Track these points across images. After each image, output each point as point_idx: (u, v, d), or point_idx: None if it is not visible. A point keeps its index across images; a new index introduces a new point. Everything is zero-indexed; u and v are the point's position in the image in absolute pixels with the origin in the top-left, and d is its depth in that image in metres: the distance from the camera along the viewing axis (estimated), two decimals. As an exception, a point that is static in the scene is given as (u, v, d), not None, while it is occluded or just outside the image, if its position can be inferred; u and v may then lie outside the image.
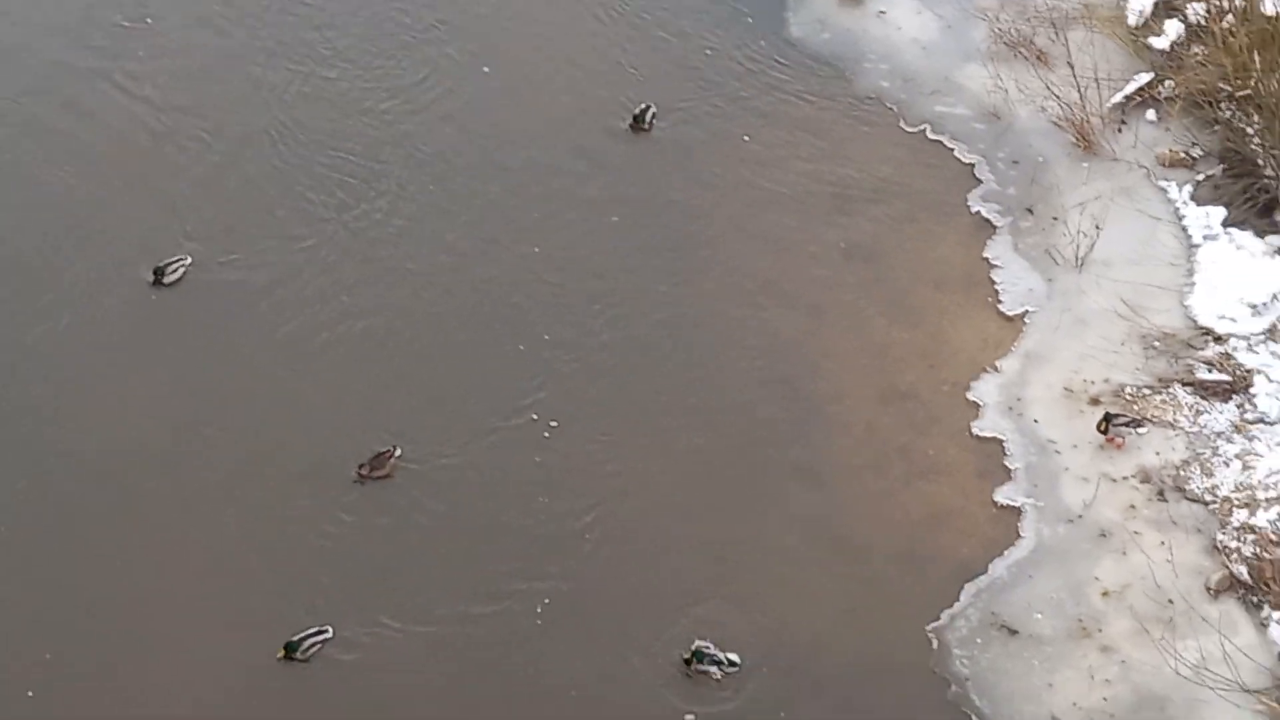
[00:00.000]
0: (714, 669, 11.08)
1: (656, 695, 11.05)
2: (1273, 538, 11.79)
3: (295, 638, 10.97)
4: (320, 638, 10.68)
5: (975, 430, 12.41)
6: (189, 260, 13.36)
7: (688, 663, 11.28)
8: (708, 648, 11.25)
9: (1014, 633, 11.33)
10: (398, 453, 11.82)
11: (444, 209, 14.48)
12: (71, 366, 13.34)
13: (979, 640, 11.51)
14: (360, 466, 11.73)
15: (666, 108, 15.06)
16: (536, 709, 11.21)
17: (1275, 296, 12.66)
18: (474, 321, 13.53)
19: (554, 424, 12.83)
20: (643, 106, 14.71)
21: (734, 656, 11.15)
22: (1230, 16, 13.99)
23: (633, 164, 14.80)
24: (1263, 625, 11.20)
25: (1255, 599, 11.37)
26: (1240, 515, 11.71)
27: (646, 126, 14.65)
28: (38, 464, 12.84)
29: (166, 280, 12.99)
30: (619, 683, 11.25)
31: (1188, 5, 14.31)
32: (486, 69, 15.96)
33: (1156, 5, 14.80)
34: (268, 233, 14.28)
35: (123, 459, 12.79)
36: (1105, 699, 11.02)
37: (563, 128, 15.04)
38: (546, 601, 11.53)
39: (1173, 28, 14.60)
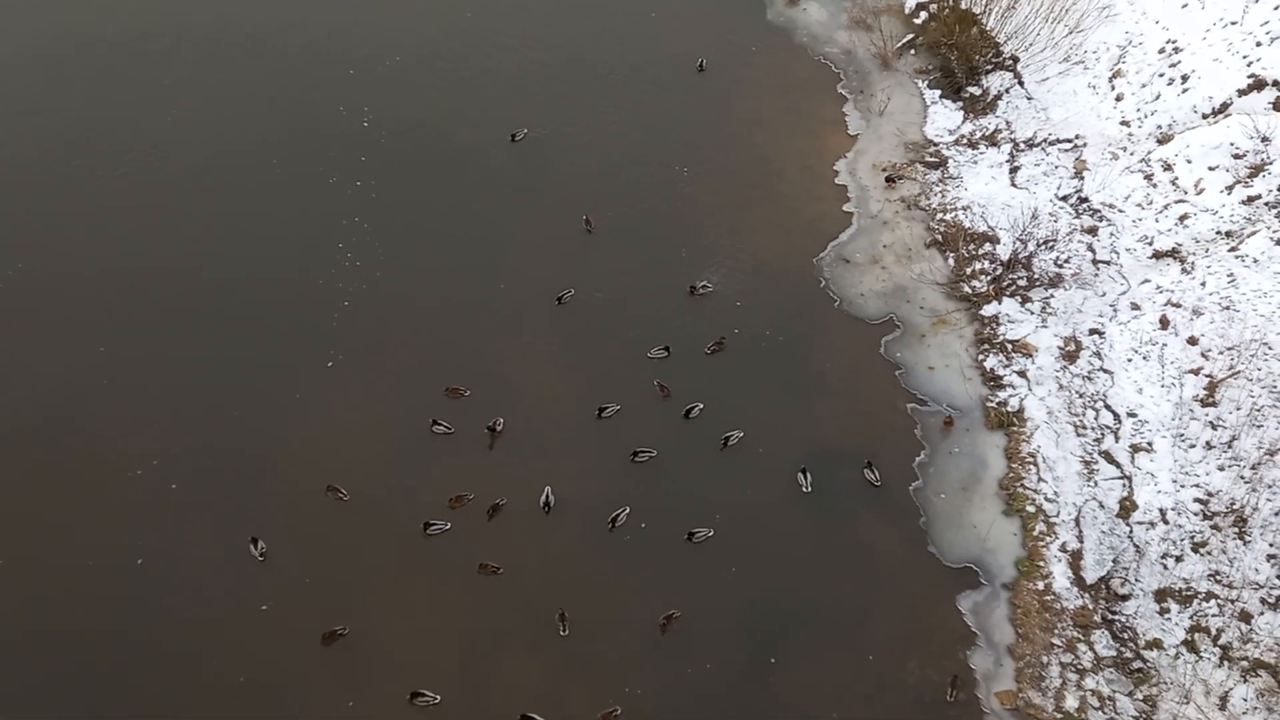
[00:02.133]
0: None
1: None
2: (952, 225, 25.04)
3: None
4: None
5: (835, 181, 25.54)
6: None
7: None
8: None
9: (847, 262, 24.14)
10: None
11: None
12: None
13: (832, 265, 24.11)
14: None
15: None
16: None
17: (957, 126, 26.06)
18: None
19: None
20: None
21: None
22: (946, 6, 27.51)
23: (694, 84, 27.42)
24: (945, 258, 24.85)
25: (942, 249, 24.35)
26: (939, 215, 25.31)
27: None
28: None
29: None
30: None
31: (931, 3, 28.08)
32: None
33: (917, 5, 28.18)
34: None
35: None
36: (881, 286, 23.48)
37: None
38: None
39: (921, 12, 28.04)
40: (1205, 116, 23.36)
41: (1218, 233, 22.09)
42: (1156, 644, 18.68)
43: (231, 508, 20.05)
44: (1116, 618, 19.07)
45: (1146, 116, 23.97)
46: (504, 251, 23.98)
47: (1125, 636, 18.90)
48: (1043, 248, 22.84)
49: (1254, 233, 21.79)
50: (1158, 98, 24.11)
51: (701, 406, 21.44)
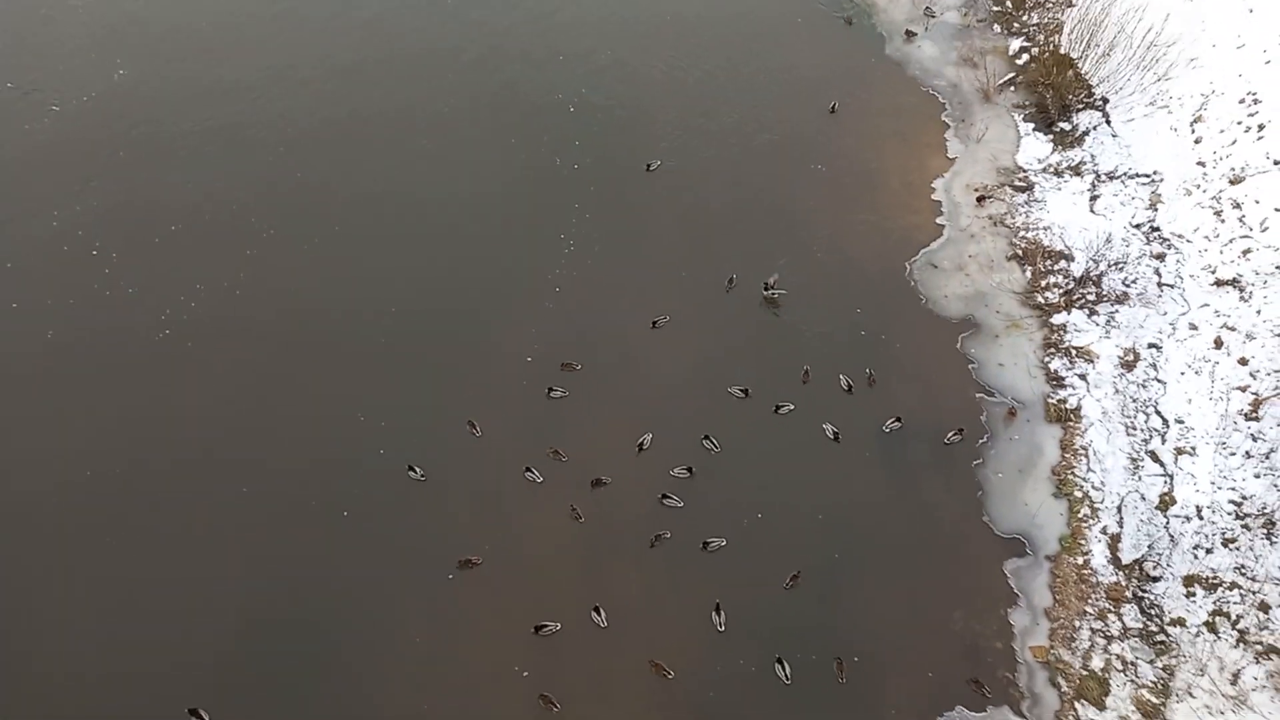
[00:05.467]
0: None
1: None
2: (1032, 242, 26.64)
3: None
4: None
5: (932, 197, 27.54)
6: None
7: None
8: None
9: (935, 267, 26.13)
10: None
11: None
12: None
13: (922, 269, 26.12)
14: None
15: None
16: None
17: (1046, 156, 27.68)
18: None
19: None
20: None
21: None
22: (1047, 50, 29.20)
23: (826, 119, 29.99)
24: (1024, 271, 26.70)
25: (1022, 263, 26.34)
26: (1022, 233, 27.00)
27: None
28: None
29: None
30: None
31: (1033, 47, 29.80)
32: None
33: (1021, 48, 30.06)
34: None
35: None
36: (963, 290, 25.30)
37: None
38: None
39: (1024, 54, 29.75)
40: (1276, 163, 24.54)
41: (1277, 267, 23.31)
42: (1180, 622, 20.18)
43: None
44: (1146, 595, 20.62)
45: (1222, 159, 25.26)
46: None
47: (1152, 613, 20.44)
48: (1113, 268, 24.40)
49: (1309, 299, 23.03)
50: (1234, 143, 25.38)
51: (792, 407, 23.42)
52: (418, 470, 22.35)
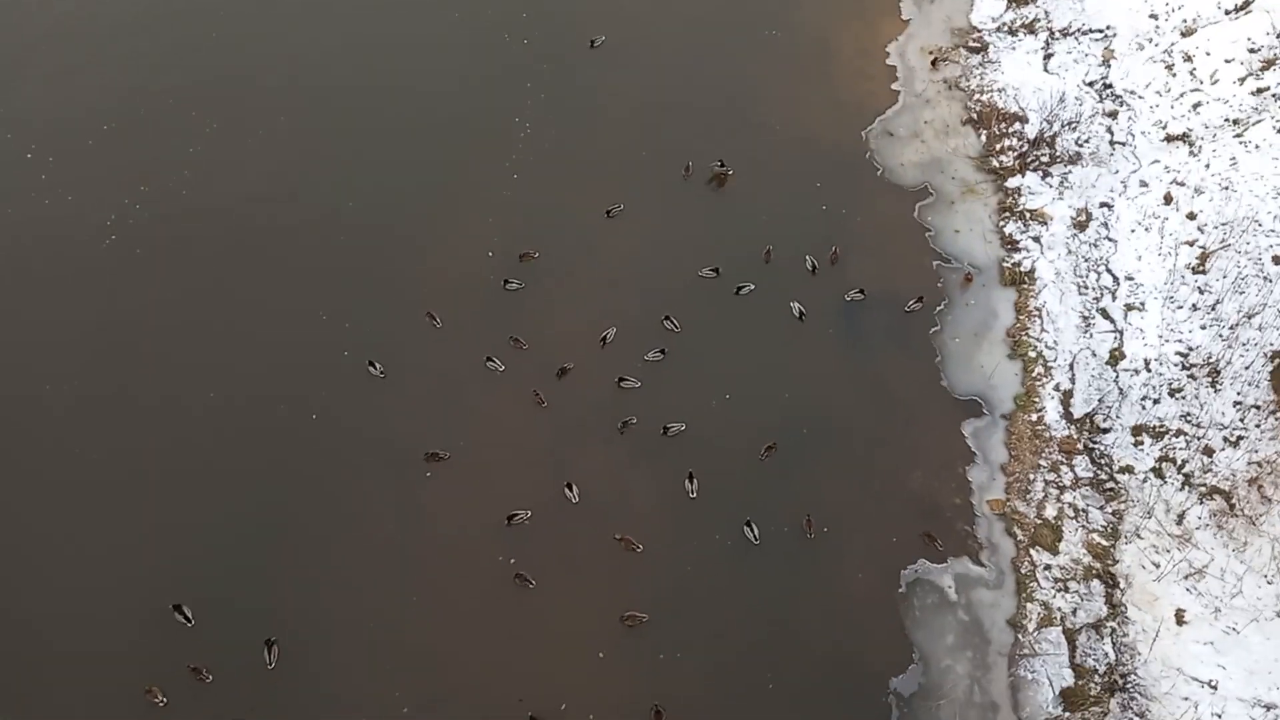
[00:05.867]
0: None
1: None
2: (987, 105, 26.09)
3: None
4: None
5: (886, 61, 27.00)
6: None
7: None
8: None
9: (891, 135, 25.92)
10: None
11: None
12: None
13: (878, 138, 25.91)
14: None
15: None
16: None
17: (1000, 14, 26.93)
18: None
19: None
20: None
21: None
22: None
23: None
24: (979, 135, 26.14)
25: (977, 127, 25.84)
26: (977, 96, 26.47)
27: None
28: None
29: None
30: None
31: None
32: None
33: None
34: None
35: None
36: (919, 158, 25.24)
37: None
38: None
39: None
40: (1228, 13, 24.43)
41: (1226, 120, 23.46)
42: (1128, 469, 21.07)
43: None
44: (1096, 446, 21.45)
45: (1174, 10, 25.04)
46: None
47: (1102, 462, 21.30)
48: (1066, 128, 24.38)
49: (1259, 121, 23.16)
50: (1187, -7, 25.15)
51: (752, 287, 23.48)
52: (377, 366, 22.31)
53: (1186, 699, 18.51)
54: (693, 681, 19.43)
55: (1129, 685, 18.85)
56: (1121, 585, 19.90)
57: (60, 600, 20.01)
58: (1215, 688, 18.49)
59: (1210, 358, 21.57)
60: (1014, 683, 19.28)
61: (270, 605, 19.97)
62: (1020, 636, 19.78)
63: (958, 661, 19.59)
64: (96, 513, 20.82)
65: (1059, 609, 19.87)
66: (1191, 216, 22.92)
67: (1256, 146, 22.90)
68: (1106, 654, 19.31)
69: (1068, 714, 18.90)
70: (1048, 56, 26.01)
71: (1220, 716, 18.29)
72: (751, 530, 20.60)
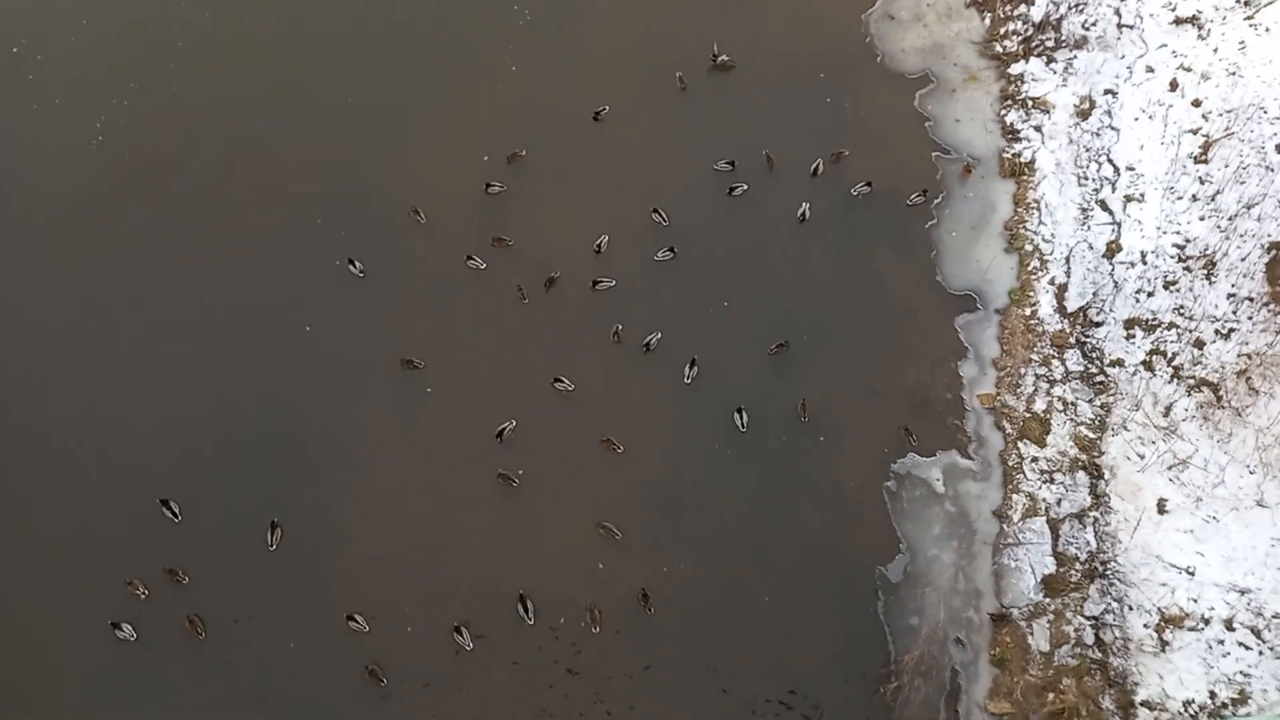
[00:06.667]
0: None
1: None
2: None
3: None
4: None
5: None
6: None
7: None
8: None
9: (893, 19, 24.66)
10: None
11: None
12: None
13: (879, 22, 24.91)
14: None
15: None
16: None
17: None
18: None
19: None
20: None
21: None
22: None
23: None
24: (983, 18, 24.95)
25: (980, 9, 24.72)
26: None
27: None
28: None
29: None
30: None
31: None
32: None
33: None
34: None
35: None
36: (920, 43, 24.51)
37: None
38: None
39: None
40: (1247, -117, 23.13)
41: (1237, 1, 22.50)
42: (1119, 363, 21.13)
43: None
44: (1088, 340, 21.46)
45: (1189, -118, 23.73)
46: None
47: (1093, 356, 21.34)
48: (1073, 10, 23.47)
49: (1271, 3, 22.20)
50: None
51: (746, 188, 22.88)
52: (356, 265, 22.17)
53: (1164, 585, 19.08)
54: (682, 574, 20.01)
55: (1109, 572, 19.41)
56: (1106, 476, 20.24)
57: (50, 503, 20.49)
58: (1193, 574, 19.03)
59: (1207, 249, 21.33)
60: (998, 570, 19.87)
61: (259, 502, 20.32)
62: (1005, 527, 20.26)
63: (944, 551, 20.13)
64: (90, 417, 21.11)
65: (1044, 500, 20.29)
66: (1196, 104, 22.27)
67: (1267, 29, 22.05)
68: (1088, 542, 19.80)
69: (1048, 599, 19.55)
70: (1056, -66, 24.81)
71: (1196, 600, 18.89)
72: (740, 418, 20.80)
